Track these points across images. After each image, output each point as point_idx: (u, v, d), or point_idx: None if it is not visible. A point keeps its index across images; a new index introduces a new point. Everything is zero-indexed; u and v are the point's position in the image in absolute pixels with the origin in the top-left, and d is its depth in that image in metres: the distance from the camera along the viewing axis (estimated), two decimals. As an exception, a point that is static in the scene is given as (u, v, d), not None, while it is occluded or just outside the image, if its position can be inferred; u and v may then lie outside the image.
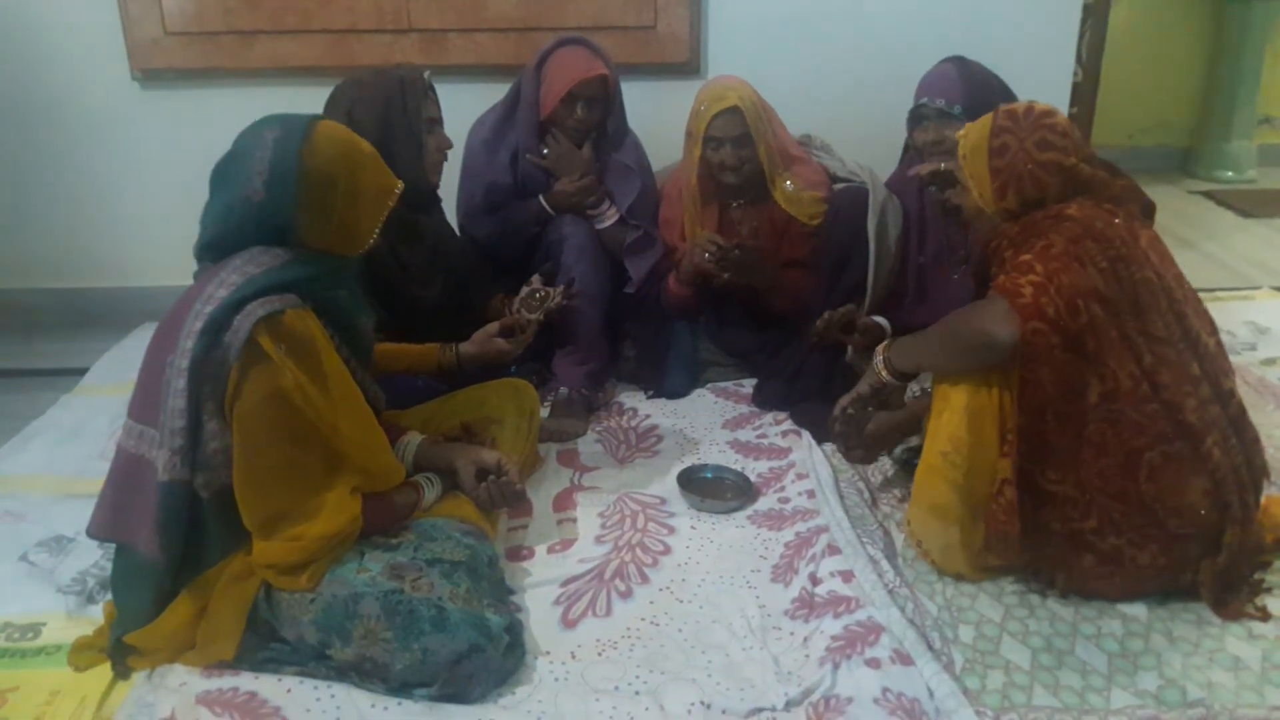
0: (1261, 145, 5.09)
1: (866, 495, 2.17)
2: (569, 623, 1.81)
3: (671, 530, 2.09)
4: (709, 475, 2.27)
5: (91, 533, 1.69)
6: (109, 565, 1.77)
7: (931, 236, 2.60)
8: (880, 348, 1.96)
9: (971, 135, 1.86)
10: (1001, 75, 2.54)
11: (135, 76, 3.10)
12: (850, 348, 2.49)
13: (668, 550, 2.02)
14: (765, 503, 2.20)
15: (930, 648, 1.68)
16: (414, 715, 1.56)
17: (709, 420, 2.58)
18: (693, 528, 2.10)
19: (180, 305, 1.61)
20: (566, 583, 1.92)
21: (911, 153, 2.63)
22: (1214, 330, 1.81)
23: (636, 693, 1.62)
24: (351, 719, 1.56)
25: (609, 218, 2.66)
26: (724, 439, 2.48)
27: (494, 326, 2.27)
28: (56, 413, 2.64)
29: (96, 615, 1.78)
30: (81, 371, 2.88)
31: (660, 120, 2.78)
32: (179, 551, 1.60)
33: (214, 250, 1.64)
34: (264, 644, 1.66)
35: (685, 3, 3.04)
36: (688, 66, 3.10)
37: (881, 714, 1.53)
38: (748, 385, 2.74)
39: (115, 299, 3.29)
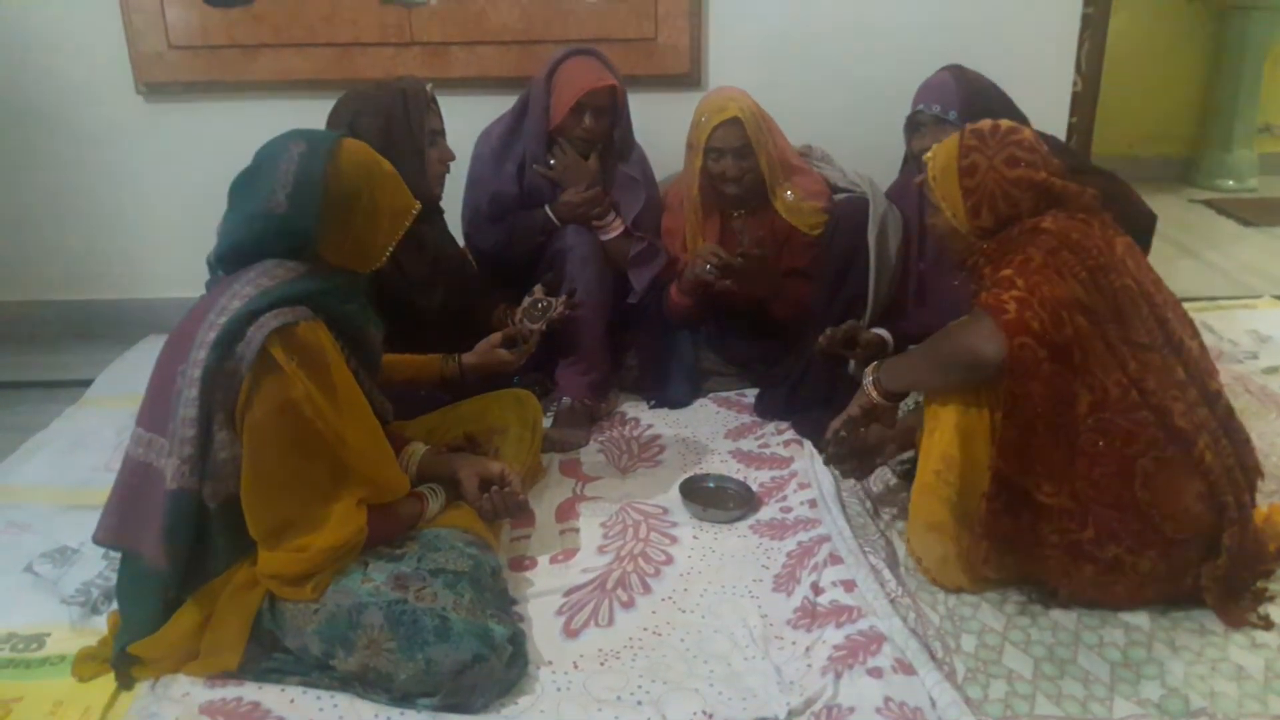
0: (1262, 154, 5.09)
1: (868, 505, 2.17)
2: (571, 633, 1.81)
3: (674, 540, 2.09)
4: (711, 485, 2.28)
5: (98, 540, 1.70)
6: (113, 576, 1.78)
7: (931, 242, 2.60)
8: (869, 369, 1.97)
9: (940, 157, 1.86)
10: (1001, 86, 2.54)
11: (139, 90, 3.12)
12: (852, 361, 2.50)
13: (670, 560, 2.03)
14: (767, 512, 2.20)
15: (932, 657, 1.68)
16: (417, 725, 1.56)
17: (711, 430, 2.59)
18: (695, 537, 2.10)
19: (193, 316, 1.62)
20: (569, 593, 1.92)
21: (911, 161, 2.64)
22: (1195, 333, 1.82)
23: (639, 703, 1.62)
24: (355, 729, 1.56)
25: (614, 229, 2.67)
26: (726, 448, 2.48)
27: (496, 337, 2.28)
28: (61, 424, 2.65)
29: (100, 626, 1.79)
30: (86, 383, 2.89)
31: (661, 132, 2.79)
32: (185, 560, 1.60)
33: (230, 260, 1.66)
34: (268, 654, 1.66)
35: (686, 15, 3.05)
36: (688, 78, 3.11)
37: (884, 723, 1.53)
38: (749, 395, 2.75)
39: (120, 311, 3.30)
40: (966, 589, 1.86)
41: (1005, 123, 1.84)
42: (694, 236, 2.66)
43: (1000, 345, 1.65)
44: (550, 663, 1.72)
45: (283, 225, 1.62)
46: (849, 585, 1.87)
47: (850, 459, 2.04)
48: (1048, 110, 3.05)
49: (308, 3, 3.02)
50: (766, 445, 2.49)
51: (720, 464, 2.41)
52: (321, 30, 3.05)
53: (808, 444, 2.43)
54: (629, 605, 1.89)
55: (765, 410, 2.64)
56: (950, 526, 1.80)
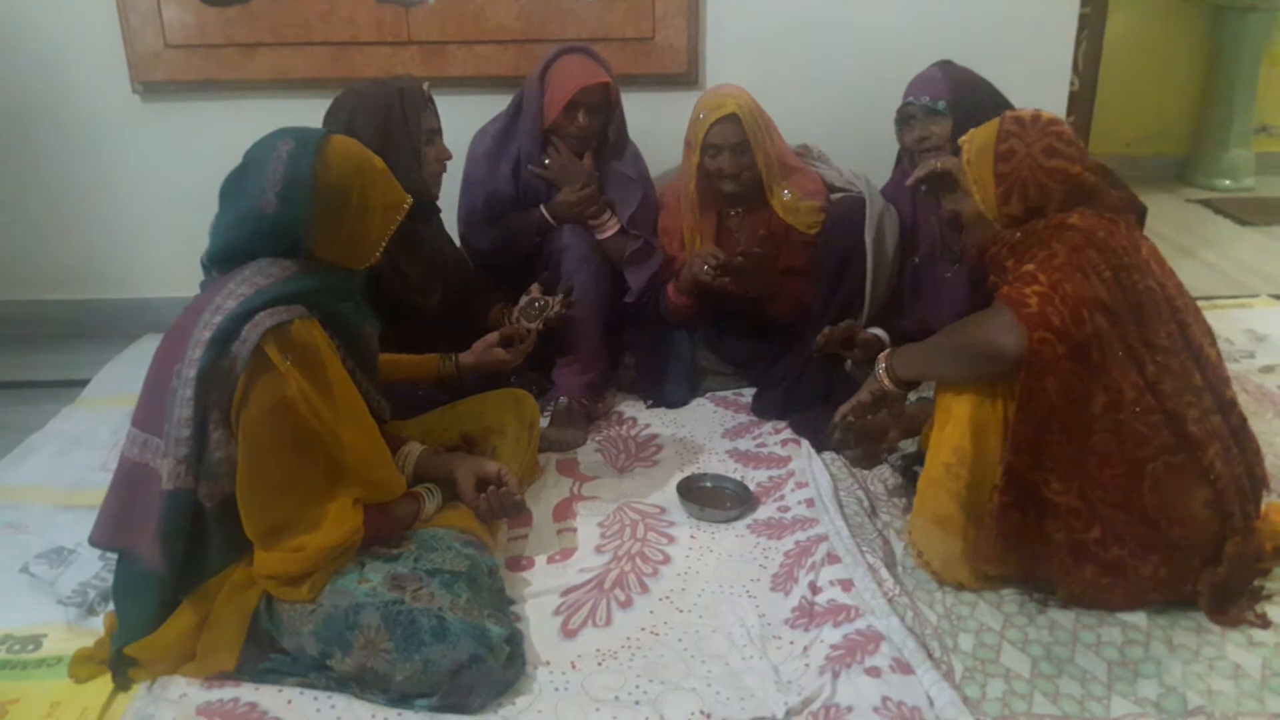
0: (1259, 153, 5.10)
1: (866, 504, 2.17)
2: (569, 632, 1.81)
3: (671, 539, 2.09)
4: (708, 484, 2.27)
5: (94, 541, 1.70)
6: (110, 577, 1.77)
7: (924, 236, 2.61)
8: (882, 355, 1.95)
9: (977, 139, 1.85)
10: (998, 85, 2.55)
11: (136, 89, 3.11)
12: (850, 360, 2.50)
13: (667, 559, 2.02)
14: (765, 511, 2.20)
15: (930, 656, 1.68)
16: (415, 726, 1.56)
17: (708, 429, 2.59)
18: (692, 537, 2.10)
19: (188, 315, 1.62)
20: (566, 592, 1.92)
21: (904, 157, 2.64)
22: (1214, 340, 1.81)
23: (636, 702, 1.62)
24: (352, 729, 1.56)
25: (610, 228, 2.66)
26: (723, 448, 2.48)
27: (494, 336, 2.28)
28: (57, 424, 2.64)
29: (97, 627, 1.79)
30: (82, 383, 2.89)
31: (659, 131, 2.80)
32: (181, 560, 1.60)
33: (223, 261, 1.66)
34: (265, 655, 1.66)
35: (684, 14, 3.05)
36: (686, 77, 3.11)
37: (881, 723, 1.53)
38: (747, 394, 2.75)
39: (116, 311, 3.30)
40: (966, 585, 1.86)
41: (1046, 113, 1.83)
42: (691, 235, 2.66)
43: (1020, 338, 1.64)
44: (548, 663, 1.72)
45: (274, 224, 1.61)
46: (846, 584, 1.87)
47: (855, 445, 2.04)
48: (1045, 109, 3.03)
49: (305, 2, 3.01)
50: (764, 445, 2.49)
51: (718, 463, 2.40)
52: (319, 29, 3.04)
53: (805, 443, 2.43)
54: (627, 605, 1.88)
55: (763, 410, 2.64)
56: (958, 520, 1.80)
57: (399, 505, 1.80)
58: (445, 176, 2.38)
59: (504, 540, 2.06)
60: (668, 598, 1.90)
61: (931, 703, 1.58)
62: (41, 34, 3.08)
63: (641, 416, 2.66)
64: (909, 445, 2.27)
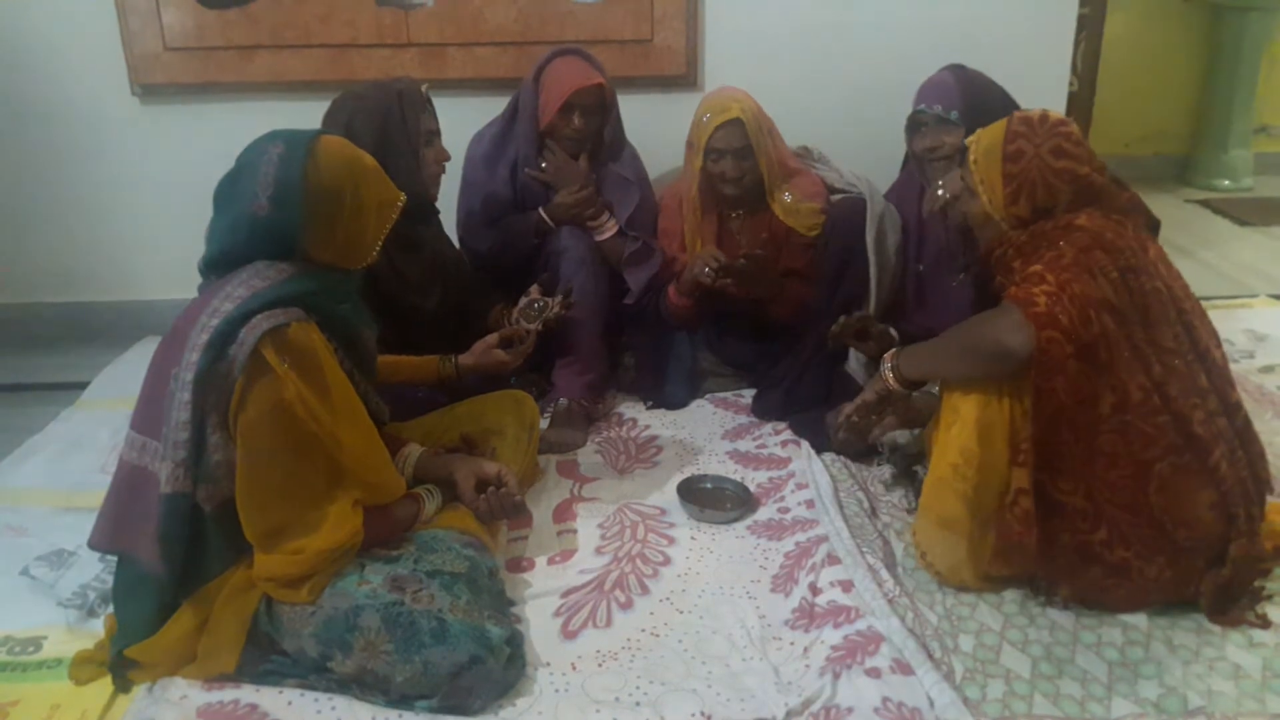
0: (1258, 154, 5.10)
1: (866, 505, 2.17)
2: (569, 634, 1.81)
3: (671, 541, 2.09)
4: (709, 485, 2.27)
5: (93, 544, 1.70)
6: (110, 579, 1.77)
7: (930, 244, 2.61)
8: (888, 355, 1.95)
9: (985, 139, 1.85)
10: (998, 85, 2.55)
11: (135, 91, 3.11)
12: (852, 358, 2.50)
13: (668, 561, 2.02)
14: (765, 513, 2.20)
15: (930, 657, 1.68)
16: (415, 727, 1.56)
17: (708, 431, 2.59)
18: (692, 538, 2.10)
19: (185, 318, 1.62)
20: (567, 594, 1.92)
21: (911, 161, 2.64)
22: (1219, 343, 1.81)
23: (637, 704, 1.62)
24: (352, 731, 1.56)
25: (608, 229, 2.67)
26: (723, 449, 2.48)
27: (493, 338, 2.28)
28: (57, 427, 2.64)
29: (97, 629, 1.79)
30: (82, 385, 2.89)
31: (658, 133, 2.80)
32: (180, 563, 1.60)
33: (219, 266, 1.66)
34: (265, 656, 1.66)
35: (682, 16, 3.05)
36: (685, 79, 3.11)
37: (882, 723, 1.53)
38: (747, 395, 2.75)
39: (116, 313, 3.30)
40: (969, 585, 1.86)
41: (1054, 114, 1.83)
42: (692, 237, 2.66)
43: (1028, 337, 1.64)
44: (548, 664, 1.72)
45: (268, 227, 1.61)
46: (847, 585, 1.87)
47: (859, 445, 2.03)
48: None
49: (304, 4, 3.01)
50: (764, 446, 2.49)
51: (718, 465, 2.40)
52: (318, 31, 3.04)
53: (805, 444, 2.43)
54: (627, 606, 1.88)
55: (763, 411, 2.64)
56: (964, 522, 1.79)
57: (399, 507, 1.79)
58: (444, 178, 2.38)
59: (504, 541, 2.06)
60: (668, 599, 1.90)
61: (932, 704, 1.58)
62: (41, 37, 3.08)
63: (641, 418, 2.66)
64: (903, 437, 2.28)
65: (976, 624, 1.79)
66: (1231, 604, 1.77)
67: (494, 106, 2.76)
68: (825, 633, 1.75)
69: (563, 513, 2.20)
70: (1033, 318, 1.64)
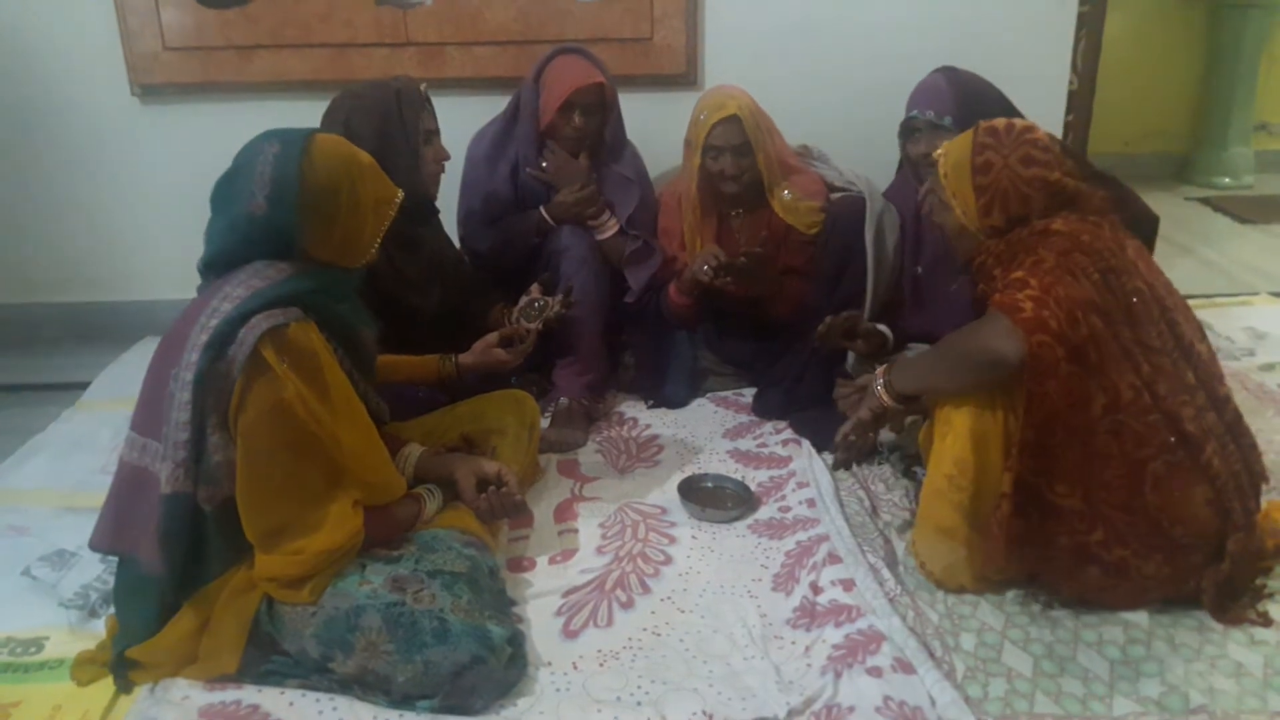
0: (1258, 151, 5.10)
1: (867, 504, 2.17)
2: (570, 633, 1.81)
3: (672, 540, 2.09)
4: (709, 485, 2.27)
5: (94, 545, 1.70)
6: (111, 579, 1.77)
7: (929, 247, 2.60)
8: (880, 371, 1.94)
9: (953, 153, 1.85)
10: (997, 84, 2.54)
11: (135, 91, 3.11)
12: (850, 357, 2.50)
13: (669, 560, 2.02)
14: (766, 512, 2.20)
15: (932, 656, 1.68)
16: (417, 727, 1.56)
17: (709, 430, 2.59)
18: (694, 537, 2.10)
19: (185, 319, 1.62)
20: (568, 593, 1.92)
21: (906, 165, 2.64)
22: (1204, 337, 1.81)
23: (638, 703, 1.62)
24: (354, 731, 1.56)
25: (609, 228, 2.67)
26: (724, 448, 2.48)
27: (494, 337, 2.28)
28: (58, 427, 2.64)
29: (99, 629, 1.79)
30: (83, 385, 2.89)
31: (658, 131, 2.79)
32: (181, 564, 1.60)
33: (218, 267, 1.66)
34: (266, 657, 1.66)
35: (682, 15, 3.05)
36: (685, 78, 3.11)
37: (883, 722, 1.53)
38: (748, 394, 2.75)
39: (116, 313, 3.30)
40: (968, 589, 1.86)
41: (1020, 122, 1.84)
42: (692, 236, 2.66)
43: (1019, 344, 1.63)
44: (549, 664, 1.72)
45: (266, 227, 1.61)
46: (848, 584, 1.87)
47: (858, 462, 2.03)
48: (1044, 108, 3.04)
49: (303, 3, 3.01)
50: (765, 445, 2.49)
51: (718, 464, 2.40)
52: (317, 31, 3.04)
53: (806, 443, 2.43)
54: (628, 605, 1.88)
55: (763, 410, 2.64)
56: (962, 531, 1.79)
57: (399, 507, 1.79)
58: (444, 178, 2.38)
59: (505, 541, 2.06)
60: (669, 598, 1.90)
61: (933, 702, 1.58)
62: (40, 37, 3.08)
63: (642, 417, 2.66)
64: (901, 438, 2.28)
65: (978, 623, 1.79)
66: (1233, 601, 1.77)
67: (493, 106, 2.76)
68: (826, 632, 1.75)
69: (564, 512, 2.20)
70: (1021, 323, 1.64)
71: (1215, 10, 4.97)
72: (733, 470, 2.36)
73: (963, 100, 2.44)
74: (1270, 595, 1.80)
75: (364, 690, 1.61)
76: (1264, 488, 1.82)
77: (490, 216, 2.69)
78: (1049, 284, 1.67)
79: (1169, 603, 1.80)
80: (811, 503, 2.17)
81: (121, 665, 1.66)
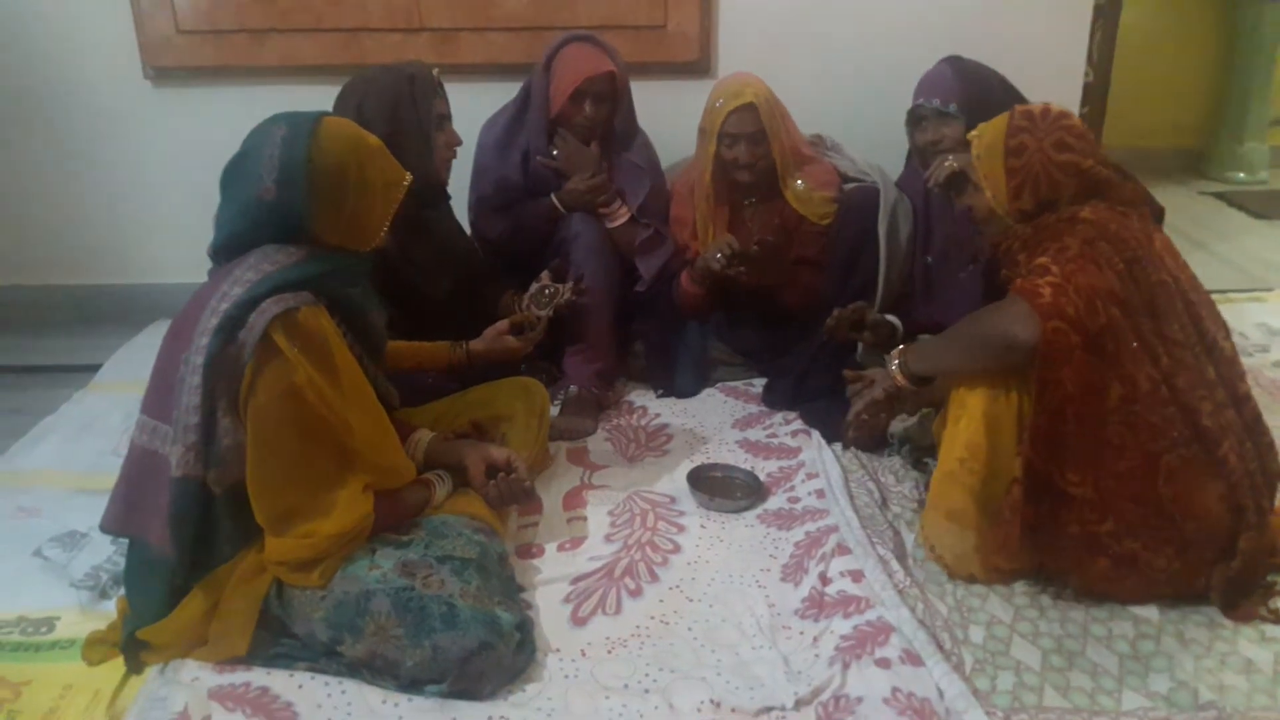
0: (1274, 146, 5.04)
1: (877, 495, 2.17)
2: (579, 620, 1.81)
3: (681, 529, 2.09)
4: (718, 474, 2.27)
5: (105, 528, 1.70)
6: (122, 560, 1.78)
7: (938, 236, 2.59)
8: (895, 352, 1.95)
9: (987, 135, 1.85)
10: (1012, 76, 2.53)
11: (147, 74, 3.11)
12: (861, 347, 2.49)
13: (677, 549, 2.02)
14: (775, 502, 2.20)
15: (940, 648, 1.68)
16: (425, 712, 1.57)
17: (719, 419, 2.58)
18: (702, 526, 2.10)
19: (195, 302, 1.62)
20: (576, 580, 1.92)
21: (914, 155, 2.63)
22: (1228, 335, 1.80)
23: (646, 691, 1.62)
24: (362, 715, 1.56)
25: (620, 217, 2.66)
26: (734, 438, 2.48)
27: (504, 324, 2.28)
28: (70, 409, 2.65)
29: (110, 610, 1.80)
30: (94, 368, 2.90)
31: (670, 119, 2.78)
32: (191, 547, 1.61)
33: (228, 251, 1.66)
34: (276, 640, 1.67)
35: (696, 1, 3.03)
36: (698, 65, 3.10)
37: (891, 714, 1.53)
38: (757, 385, 2.74)
39: (128, 296, 3.31)
40: (978, 578, 1.86)
41: (1056, 107, 1.83)
42: (704, 225, 2.65)
43: (1034, 328, 1.64)
44: (558, 650, 1.72)
45: (275, 211, 1.61)
46: (857, 576, 1.86)
47: (870, 443, 2.03)
48: (1059, 100, 2.93)
49: (316, -13, 3.01)
50: (774, 435, 2.48)
51: (728, 453, 2.40)
52: (329, 15, 3.04)
53: (816, 434, 2.42)
54: (636, 594, 1.89)
55: (773, 400, 2.64)
56: (972, 515, 1.80)
57: (409, 492, 1.80)
58: (455, 165, 2.37)
59: (514, 528, 2.07)
60: (677, 587, 1.90)
61: (941, 694, 1.58)
62: (53, 19, 3.08)
63: (651, 406, 2.66)
64: (913, 430, 2.28)
65: (987, 615, 1.78)
66: (1243, 598, 1.77)
67: (506, 92, 2.75)
68: (835, 622, 1.75)
69: (573, 500, 2.20)
70: (1039, 309, 1.65)
71: (1232, 3, 4.93)
72: (742, 460, 2.36)
73: (969, 89, 2.45)
74: (1281, 592, 1.79)
75: (372, 674, 1.62)
76: (1278, 487, 1.81)
77: (501, 203, 2.69)
78: (1071, 272, 1.67)
79: (1179, 598, 1.79)
80: (821, 494, 2.17)
81: (132, 646, 1.67)
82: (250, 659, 1.65)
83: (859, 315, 2.28)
